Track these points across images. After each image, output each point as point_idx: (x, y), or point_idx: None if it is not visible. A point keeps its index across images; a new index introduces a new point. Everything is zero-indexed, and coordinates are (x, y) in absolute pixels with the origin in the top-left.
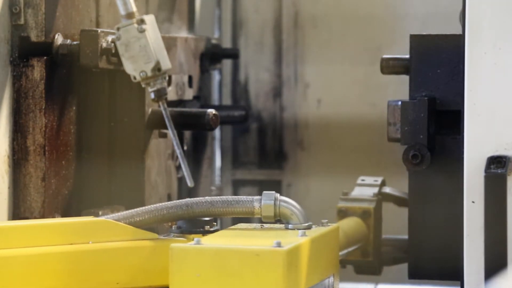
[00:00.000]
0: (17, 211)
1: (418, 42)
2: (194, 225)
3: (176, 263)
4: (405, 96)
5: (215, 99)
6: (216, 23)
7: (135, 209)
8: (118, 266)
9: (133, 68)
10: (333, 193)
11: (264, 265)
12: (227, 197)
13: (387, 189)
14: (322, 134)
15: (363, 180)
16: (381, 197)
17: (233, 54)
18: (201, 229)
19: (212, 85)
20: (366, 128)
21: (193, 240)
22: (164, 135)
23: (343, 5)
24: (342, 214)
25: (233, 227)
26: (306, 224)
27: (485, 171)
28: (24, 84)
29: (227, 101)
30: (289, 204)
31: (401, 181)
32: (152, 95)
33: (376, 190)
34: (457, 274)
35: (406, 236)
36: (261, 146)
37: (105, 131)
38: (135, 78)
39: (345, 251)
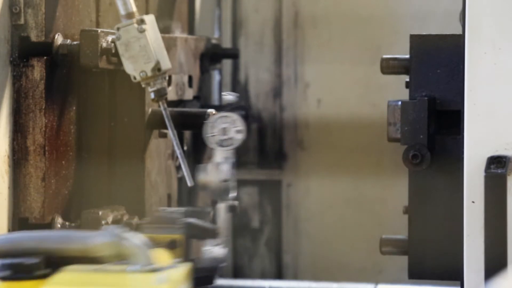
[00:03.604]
0: (17, 211)
1: (418, 42)
2: (19, 269)
3: None
4: (405, 96)
5: (215, 99)
6: (216, 23)
7: None
8: None
9: (133, 68)
10: (333, 193)
11: None
12: (61, 231)
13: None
14: (322, 134)
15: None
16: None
17: (233, 54)
18: (28, 274)
19: (212, 85)
20: (366, 128)
21: None
22: (164, 135)
23: (343, 5)
24: None
25: (69, 268)
26: (150, 267)
27: (485, 171)
28: (24, 84)
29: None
30: (131, 243)
31: (401, 181)
32: (152, 95)
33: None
34: (457, 274)
35: (406, 236)
36: (261, 146)
37: (105, 131)
38: (135, 78)
39: None
